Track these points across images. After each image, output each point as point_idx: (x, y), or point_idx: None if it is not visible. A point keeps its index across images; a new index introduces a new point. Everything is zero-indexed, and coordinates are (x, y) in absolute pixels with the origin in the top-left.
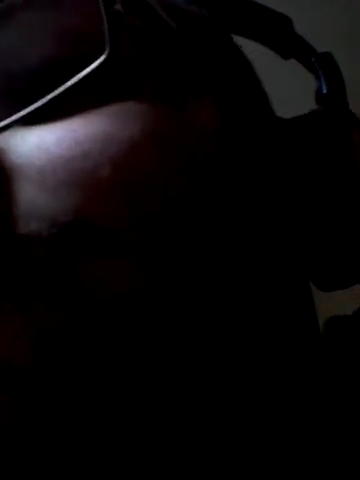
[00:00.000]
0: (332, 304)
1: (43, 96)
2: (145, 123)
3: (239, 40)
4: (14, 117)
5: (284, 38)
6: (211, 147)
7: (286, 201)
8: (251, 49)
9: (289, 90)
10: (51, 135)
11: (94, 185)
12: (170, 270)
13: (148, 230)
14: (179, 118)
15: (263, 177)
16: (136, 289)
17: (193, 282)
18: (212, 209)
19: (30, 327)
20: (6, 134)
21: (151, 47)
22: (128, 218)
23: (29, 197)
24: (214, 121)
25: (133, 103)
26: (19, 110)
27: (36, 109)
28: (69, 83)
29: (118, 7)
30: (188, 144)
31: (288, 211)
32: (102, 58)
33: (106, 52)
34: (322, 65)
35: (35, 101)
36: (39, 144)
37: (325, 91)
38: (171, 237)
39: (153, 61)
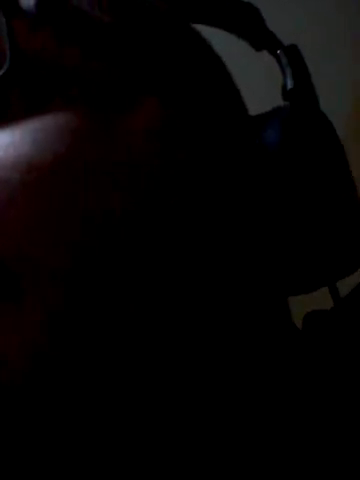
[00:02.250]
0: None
1: None
2: (71, 142)
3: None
4: None
5: (253, 29)
6: (150, 158)
7: (246, 202)
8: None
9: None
10: None
11: (9, 219)
12: (77, 330)
13: (58, 278)
14: (110, 131)
15: (219, 181)
16: (39, 351)
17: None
18: (155, 231)
19: None
20: None
21: (78, 51)
22: (37, 261)
23: None
24: (156, 125)
25: (58, 116)
26: None
27: None
28: None
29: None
30: (120, 161)
31: (249, 213)
32: (6, 66)
33: (8, 59)
34: (288, 58)
35: None
36: None
37: (290, 86)
38: (90, 280)
39: (80, 67)
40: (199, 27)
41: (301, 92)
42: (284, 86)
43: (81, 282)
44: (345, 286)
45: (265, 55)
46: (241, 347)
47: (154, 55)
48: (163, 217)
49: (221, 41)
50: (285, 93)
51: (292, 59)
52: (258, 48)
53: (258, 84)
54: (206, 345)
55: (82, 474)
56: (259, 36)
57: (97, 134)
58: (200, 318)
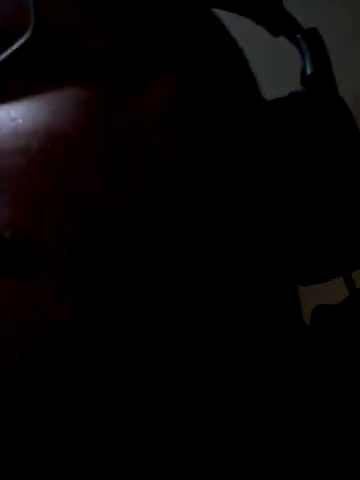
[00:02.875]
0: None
1: None
2: (88, 114)
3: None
4: None
5: (271, 12)
6: (164, 140)
7: (260, 188)
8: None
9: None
10: None
11: (27, 189)
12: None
13: (75, 257)
14: (127, 108)
15: (233, 167)
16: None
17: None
18: (171, 217)
19: None
20: None
21: (100, 27)
22: (58, 237)
23: None
24: (172, 106)
25: (76, 89)
26: None
27: None
28: (5, 55)
29: None
30: (135, 137)
31: (263, 199)
32: (27, 36)
33: (30, 29)
34: (307, 43)
35: None
36: None
37: (309, 72)
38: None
39: (101, 44)
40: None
41: (320, 78)
42: (303, 71)
43: (96, 257)
44: None
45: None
46: (247, 342)
47: (172, 36)
48: (175, 200)
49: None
50: (304, 78)
51: (312, 43)
52: (276, 33)
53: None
54: (212, 338)
55: (82, 472)
56: (278, 20)
57: (114, 110)
58: (209, 308)
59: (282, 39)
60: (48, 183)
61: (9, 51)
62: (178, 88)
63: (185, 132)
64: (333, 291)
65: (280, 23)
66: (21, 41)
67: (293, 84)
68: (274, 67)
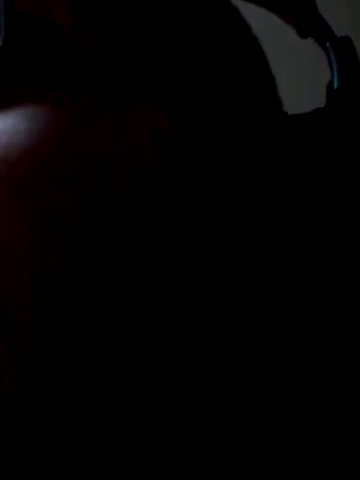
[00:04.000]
0: None
1: None
2: (61, 135)
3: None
4: None
5: (303, 13)
6: (153, 163)
7: (268, 210)
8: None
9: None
10: None
11: None
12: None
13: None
14: (116, 125)
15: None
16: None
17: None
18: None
19: None
20: None
21: (95, 35)
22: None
23: None
24: (164, 126)
25: (54, 103)
26: None
27: None
28: None
29: None
30: (120, 156)
31: (269, 220)
32: None
33: (1, 39)
34: (338, 53)
35: None
36: None
37: (336, 85)
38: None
39: (94, 52)
40: None
41: (348, 94)
42: (330, 83)
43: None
44: None
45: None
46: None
47: (172, 42)
48: (156, 223)
49: None
50: (330, 92)
51: (342, 54)
52: (304, 35)
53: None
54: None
55: (82, 474)
56: (309, 22)
57: (99, 128)
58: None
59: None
60: (9, 202)
61: None
62: (172, 109)
63: (174, 151)
64: None
65: (311, 25)
66: None
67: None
68: (300, 70)
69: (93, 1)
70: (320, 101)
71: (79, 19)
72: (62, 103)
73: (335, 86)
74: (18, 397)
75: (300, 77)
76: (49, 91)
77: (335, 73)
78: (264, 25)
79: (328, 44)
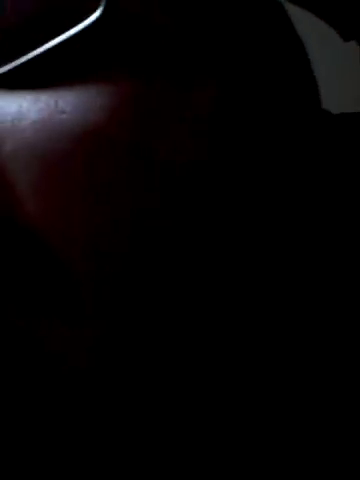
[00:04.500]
0: None
1: (23, 54)
2: (134, 109)
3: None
4: (11, 65)
5: (345, 15)
6: (212, 138)
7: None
8: None
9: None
10: (31, 111)
11: (66, 191)
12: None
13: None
14: (167, 105)
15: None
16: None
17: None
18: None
19: None
20: None
21: (169, 20)
22: (88, 248)
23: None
24: (211, 109)
25: (127, 84)
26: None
27: (16, 68)
28: (53, 42)
29: None
30: (180, 141)
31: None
32: (96, 15)
33: (101, 8)
34: None
35: (14, 59)
36: (16, 118)
37: None
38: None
39: (166, 36)
40: None
41: None
42: None
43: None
44: None
45: None
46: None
47: (228, 35)
48: (213, 205)
49: None
50: None
51: None
52: (347, 37)
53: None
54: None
55: (81, 472)
56: (351, 24)
57: (163, 108)
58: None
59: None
60: (87, 181)
61: (72, 31)
62: (222, 91)
63: (230, 138)
64: None
65: (353, 27)
66: (87, 21)
67: None
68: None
69: None
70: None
71: (163, 5)
72: (139, 82)
73: None
74: (93, 369)
75: (340, 78)
76: (128, 69)
77: None
78: (307, 27)
79: None
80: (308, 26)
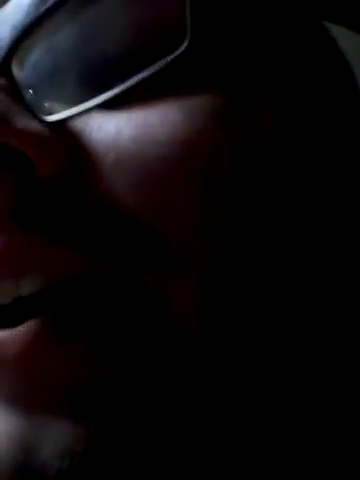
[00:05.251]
0: None
1: (122, 82)
2: (220, 125)
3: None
4: (94, 100)
5: None
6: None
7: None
8: None
9: None
10: (128, 127)
11: (169, 191)
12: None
13: (220, 252)
14: (248, 119)
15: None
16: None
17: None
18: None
19: None
20: (85, 117)
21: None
22: (198, 239)
23: (100, 188)
24: (274, 121)
25: (209, 99)
26: (97, 94)
27: (115, 95)
28: (148, 71)
29: None
30: (252, 148)
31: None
32: (183, 46)
33: (187, 40)
34: None
35: (114, 87)
36: (116, 136)
37: None
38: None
39: (228, 54)
40: None
41: None
42: None
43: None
44: None
45: None
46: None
47: (279, 51)
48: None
49: None
50: None
51: None
52: None
53: None
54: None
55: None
56: None
57: (240, 120)
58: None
59: None
60: (189, 190)
61: (157, 66)
62: (275, 110)
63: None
64: None
65: None
66: (173, 55)
67: None
68: None
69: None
70: None
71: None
72: (212, 102)
73: None
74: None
75: None
76: (198, 92)
77: None
78: (352, 46)
79: None
80: (353, 45)
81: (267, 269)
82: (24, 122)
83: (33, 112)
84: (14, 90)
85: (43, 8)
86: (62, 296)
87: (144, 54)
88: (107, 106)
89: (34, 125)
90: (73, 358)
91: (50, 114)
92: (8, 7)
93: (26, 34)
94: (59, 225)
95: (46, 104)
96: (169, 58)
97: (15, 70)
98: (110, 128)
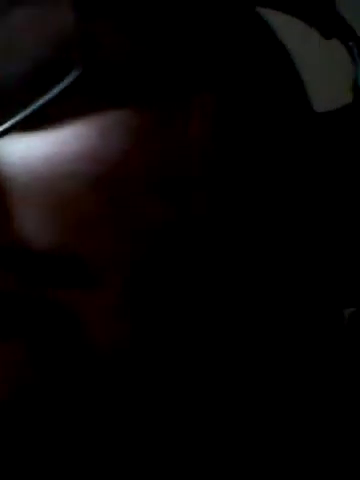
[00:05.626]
0: None
1: (34, 101)
2: (134, 139)
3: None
4: (9, 123)
5: (324, 14)
6: (206, 159)
7: (305, 205)
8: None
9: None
10: (39, 148)
11: (78, 212)
12: (151, 316)
13: (132, 268)
14: (171, 131)
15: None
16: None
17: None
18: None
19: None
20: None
21: (146, 48)
22: (111, 254)
23: (11, 230)
24: (211, 125)
25: (123, 113)
26: (11, 116)
27: (26, 116)
28: (56, 90)
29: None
30: (178, 162)
31: (307, 216)
32: (76, 73)
33: (79, 66)
34: None
35: (27, 106)
36: (26, 157)
37: None
38: (158, 275)
39: (146, 64)
40: None
41: None
42: (355, 82)
43: (150, 275)
44: None
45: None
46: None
47: (212, 49)
48: (225, 216)
49: None
50: (356, 89)
51: None
52: (328, 36)
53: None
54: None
55: (81, 473)
56: (330, 23)
57: (159, 134)
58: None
59: (335, 43)
60: (97, 208)
61: (56, 90)
62: (218, 106)
63: (222, 151)
64: None
65: (332, 26)
66: (69, 79)
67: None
68: (327, 72)
69: (140, 18)
70: (343, 99)
71: (133, 36)
72: (127, 118)
73: None
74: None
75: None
76: (120, 102)
77: (359, 70)
78: (287, 29)
79: (351, 43)
80: (289, 29)
81: (175, 284)
82: None
83: None
84: None
85: None
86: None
87: (51, 72)
88: (21, 128)
89: None
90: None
91: None
92: None
93: None
94: None
95: None
96: (74, 75)
97: None
98: (22, 150)
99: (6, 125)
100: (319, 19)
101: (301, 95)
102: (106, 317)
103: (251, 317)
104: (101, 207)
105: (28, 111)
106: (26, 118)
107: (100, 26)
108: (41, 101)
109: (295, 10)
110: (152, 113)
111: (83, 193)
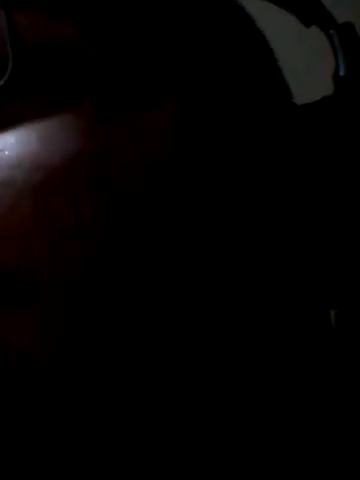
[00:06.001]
0: None
1: None
2: (77, 146)
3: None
4: None
5: (303, 1)
6: (165, 163)
7: (280, 201)
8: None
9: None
10: None
11: (13, 223)
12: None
13: (69, 285)
14: (123, 131)
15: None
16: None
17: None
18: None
19: None
20: None
21: (95, 44)
22: (47, 270)
23: None
24: (173, 125)
25: (65, 116)
26: None
27: None
28: None
29: None
30: (132, 163)
31: (282, 212)
32: (7, 74)
33: (10, 67)
34: (341, 39)
35: None
36: None
37: (342, 73)
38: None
39: (95, 62)
40: None
41: (355, 80)
42: (336, 71)
43: (86, 290)
44: None
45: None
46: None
47: (176, 42)
48: (173, 223)
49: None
50: (337, 79)
51: (346, 40)
52: (308, 23)
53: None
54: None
55: (82, 473)
56: (310, 10)
57: (107, 134)
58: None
59: (314, 32)
60: (34, 215)
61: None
62: (179, 107)
63: (185, 152)
64: None
65: (312, 13)
66: (2, 81)
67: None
68: (306, 61)
69: (96, 12)
70: (323, 89)
71: (85, 31)
72: (77, 114)
73: (341, 73)
74: (48, 370)
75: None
76: (63, 103)
77: (340, 60)
78: (266, 16)
79: (331, 31)
80: (269, 17)
81: (114, 299)
82: None
83: None
84: None
85: None
86: None
87: None
88: None
89: None
90: None
91: None
92: None
93: None
94: None
95: None
96: (8, 74)
97: None
98: None
99: None
100: (298, 5)
101: (280, 87)
102: (34, 333)
103: (239, 318)
104: (37, 218)
105: None
106: None
107: (34, 22)
108: None
109: None
110: (94, 114)
111: (19, 201)
